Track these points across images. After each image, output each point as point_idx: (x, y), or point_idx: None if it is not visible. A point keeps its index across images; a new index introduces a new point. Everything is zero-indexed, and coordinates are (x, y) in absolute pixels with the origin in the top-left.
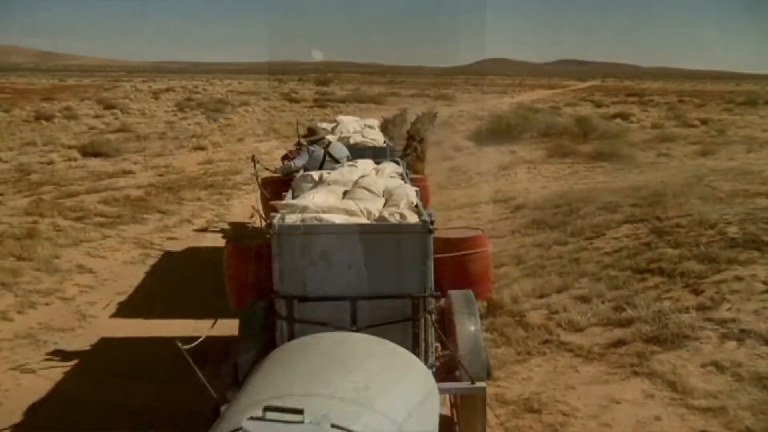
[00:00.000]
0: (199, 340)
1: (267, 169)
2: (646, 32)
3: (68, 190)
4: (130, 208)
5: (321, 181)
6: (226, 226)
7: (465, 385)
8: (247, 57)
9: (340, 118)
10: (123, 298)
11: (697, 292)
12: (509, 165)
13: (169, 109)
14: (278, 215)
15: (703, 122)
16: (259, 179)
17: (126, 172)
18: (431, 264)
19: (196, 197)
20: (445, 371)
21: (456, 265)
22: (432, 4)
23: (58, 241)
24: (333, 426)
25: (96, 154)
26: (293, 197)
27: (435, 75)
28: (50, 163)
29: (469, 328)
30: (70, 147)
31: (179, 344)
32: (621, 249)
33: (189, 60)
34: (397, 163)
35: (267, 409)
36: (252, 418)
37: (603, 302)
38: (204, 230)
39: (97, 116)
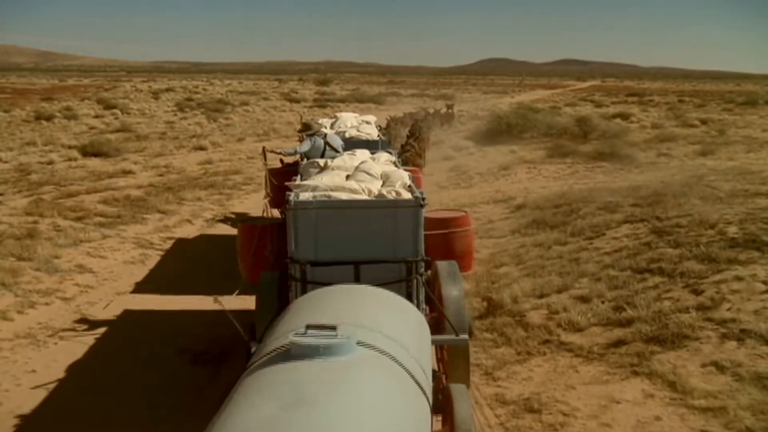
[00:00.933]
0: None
1: (273, 152)
2: (646, 32)
3: (68, 190)
4: (130, 208)
5: (325, 167)
6: (232, 216)
7: (451, 336)
8: (247, 57)
9: (340, 114)
10: (125, 294)
11: (697, 292)
12: (509, 165)
13: (169, 109)
14: (293, 193)
15: (703, 122)
16: (267, 168)
17: (126, 172)
18: (422, 234)
19: (196, 197)
20: (433, 329)
21: (443, 240)
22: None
23: (58, 241)
24: (359, 343)
25: (96, 154)
26: (302, 180)
27: (435, 74)
28: (50, 163)
29: (453, 292)
30: (70, 147)
31: (216, 299)
32: (621, 249)
33: (189, 60)
34: (390, 153)
35: (308, 327)
36: (297, 334)
37: (603, 302)
38: (214, 219)
39: (97, 116)
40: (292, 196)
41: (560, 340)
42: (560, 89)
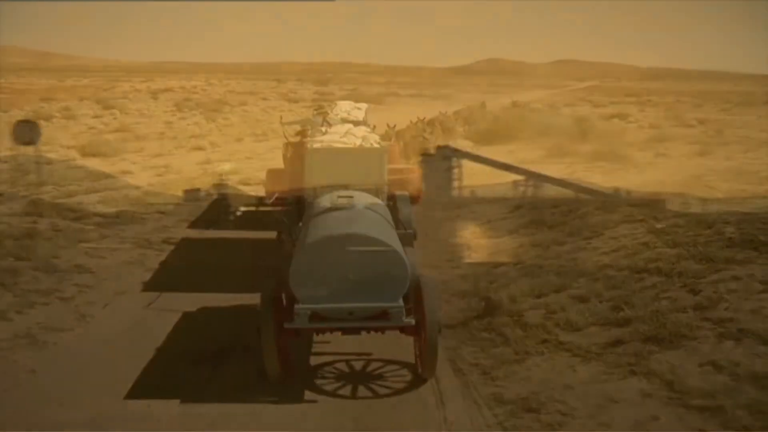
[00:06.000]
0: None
1: (288, 124)
2: (646, 32)
3: (67, 190)
4: (129, 207)
5: (326, 132)
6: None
7: (402, 231)
8: (247, 57)
9: (338, 102)
10: (126, 293)
11: (694, 292)
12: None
13: (167, 109)
14: (309, 143)
15: (701, 122)
16: (286, 138)
17: (125, 172)
18: (386, 170)
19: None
20: None
21: (401, 181)
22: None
23: (57, 241)
24: (366, 207)
25: (95, 154)
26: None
27: (434, 75)
28: (49, 163)
29: (405, 209)
30: (68, 147)
31: (266, 201)
32: (619, 249)
33: (189, 60)
34: (367, 127)
35: (339, 197)
36: (332, 201)
37: (601, 302)
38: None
39: (95, 116)
40: (308, 144)
41: (558, 339)
42: (559, 89)
